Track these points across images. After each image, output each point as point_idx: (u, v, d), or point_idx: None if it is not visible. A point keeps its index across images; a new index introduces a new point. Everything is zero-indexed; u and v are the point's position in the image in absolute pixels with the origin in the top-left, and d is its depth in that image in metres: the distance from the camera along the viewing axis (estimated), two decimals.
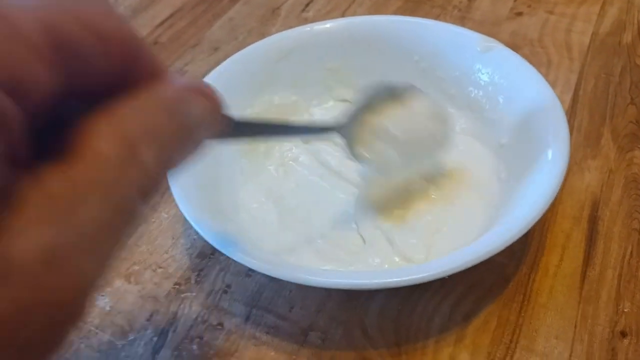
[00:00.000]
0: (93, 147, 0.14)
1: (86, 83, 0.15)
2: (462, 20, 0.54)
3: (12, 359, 0.13)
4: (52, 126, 0.15)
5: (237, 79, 0.39)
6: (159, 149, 0.16)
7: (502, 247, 0.28)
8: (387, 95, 0.34)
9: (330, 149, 0.40)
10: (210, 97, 0.18)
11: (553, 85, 0.45)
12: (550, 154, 0.31)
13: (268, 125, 0.29)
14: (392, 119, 0.34)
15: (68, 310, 0.14)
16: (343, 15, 0.56)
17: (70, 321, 0.14)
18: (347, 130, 0.33)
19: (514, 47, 0.49)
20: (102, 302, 0.35)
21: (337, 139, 0.33)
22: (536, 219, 0.29)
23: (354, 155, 0.34)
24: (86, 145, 0.14)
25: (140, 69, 0.16)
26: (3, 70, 0.12)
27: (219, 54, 0.53)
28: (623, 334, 0.31)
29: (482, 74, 0.38)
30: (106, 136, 0.14)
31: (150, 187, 0.16)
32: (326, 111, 0.43)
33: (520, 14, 0.54)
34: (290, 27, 0.54)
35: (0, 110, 0.12)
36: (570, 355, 0.30)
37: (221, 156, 0.38)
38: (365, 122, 0.34)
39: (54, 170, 0.14)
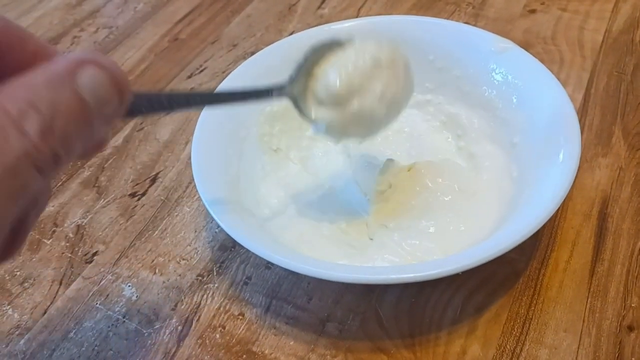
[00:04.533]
0: None
1: None
2: (475, 17, 0.54)
3: None
4: None
5: (257, 79, 0.40)
6: (45, 119, 0.16)
7: (513, 245, 0.29)
8: (329, 47, 0.31)
9: (350, 146, 0.41)
10: (102, 66, 0.18)
11: (565, 83, 0.46)
12: (561, 154, 0.32)
13: (187, 95, 0.27)
14: (333, 69, 0.31)
15: None
16: (358, 11, 0.57)
17: None
18: (291, 90, 0.31)
19: (527, 44, 0.50)
20: (129, 292, 0.36)
21: (285, 101, 0.31)
22: (547, 218, 0.30)
23: (305, 116, 0.32)
24: None
25: (26, 53, 0.17)
26: None
27: (237, 50, 0.54)
28: (630, 328, 0.32)
29: (496, 73, 0.39)
30: None
31: (42, 158, 0.16)
32: None
33: (533, 11, 0.54)
34: (307, 23, 0.55)
35: None
36: (578, 348, 0.32)
37: (243, 152, 0.39)
38: (309, 80, 0.31)
39: None
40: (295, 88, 0.31)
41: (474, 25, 0.53)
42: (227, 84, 0.40)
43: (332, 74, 0.30)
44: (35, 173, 0.16)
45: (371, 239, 0.37)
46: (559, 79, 0.37)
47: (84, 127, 0.17)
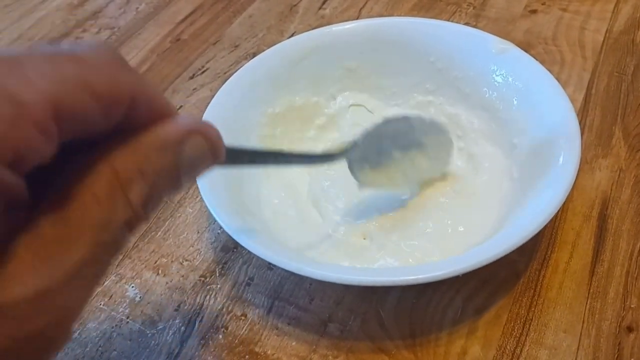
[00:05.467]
0: (86, 187, 0.16)
1: (90, 135, 0.16)
2: (476, 17, 0.55)
3: None
4: (59, 162, 0.16)
5: (259, 80, 0.41)
6: (149, 188, 0.17)
7: (514, 247, 0.29)
8: (400, 127, 0.36)
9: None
10: (208, 135, 0.19)
11: (566, 83, 0.46)
12: (561, 155, 0.33)
13: (268, 154, 0.29)
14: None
15: (54, 340, 0.16)
16: (359, 12, 0.57)
17: (56, 347, 0.16)
18: (352, 155, 0.34)
19: (528, 45, 0.50)
20: (132, 293, 0.37)
21: (341, 164, 0.35)
22: (547, 220, 0.30)
23: (354, 176, 0.36)
24: (80, 185, 0.16)
25: (148, 112, 0.17)
26: (9, 149, 0.14)
27: (239, 50, 0.54)
28: (629, 329, 0.32)
29: (497, 75, 0.39)
30: (99, 176, 0.16)
31: (137, 221, 0.17)
32: (345, 111, 0.44)
33: (534, 11, 0.54)
34: (308, 24, 0.56)
35: (2, 180, 0.14)
36: (577, 349, 0.32)
37: None
38: (370, 151, 0.35)
39: (49, 212, 0.15)
40: (355, 154, 0.35)
41: (475, 25, 0.53)
42: (230, 86, 0.40)
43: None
44: (128, 234, 0.17)
45: (364, 239, 0.37)
46: (559, 79, 0.37)
47: (174, 188, 0.18)
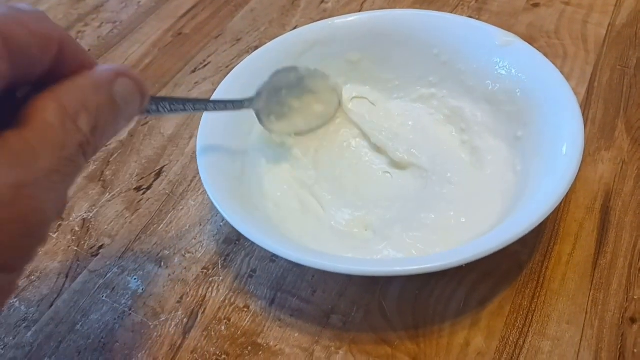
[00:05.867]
0: (40, 117, 0.20)
1: (31, 71, 0.20)
2: (479, 11, 0.54)
3: None
4: (9, 105, 0.20)
5: (262, 73, 0.41)
6: (92, 118, 0.21)
7: (516, 238, 0.29)
8: (294, 78, 0.41)
9: (353, 141, 0.41)
10: (132, 77, 0.23)
11: (568, 77, 0.46)
12: (565, 148, 0.33)
13: (185, 100, 0.33)
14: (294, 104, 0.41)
15: (32, 231, 0.19)
16: (362, 5, 0.57)
17: (35, 241, 0.20)
18: (257, 106, 0.39)
19: (531, 38, 0.50)
20: (135, 285, 0.37)
21: (249, 112, 0.39)
22: (550, 212, 0.30)
23: (264, 127, 0.40)
24: (35, 116, 0.20)
25: (74, 61, 0.21)
26: None
27: (241, 44, 0.54)
28: (632, 320, 0.32)
29: (500, 67, 0.39)
30: (50, 108, 0.20)
31: (89, 147, 0.21)
32: (347, 104, 0.44)
33: (537, 5, 0.54)
34: (310, 18, 0.56)
35: None
36: (581, 340, 0.32)
37: (247, 146, 0.39)
38: (271, 102, 0.40)
39: (12, 133, 0.19)
40: (258, 104, 0.39)
41: (477, 19, 0.53)
42: (232, 79, 0.40)
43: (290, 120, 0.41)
44: (84, 159, 0.21)
45: (366, 231, 0.37)
46: (562, 73, 0.37)
47: (115, 123, 0.22)
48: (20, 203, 0.18)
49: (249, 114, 0.40)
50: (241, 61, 0.42)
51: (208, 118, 0.38)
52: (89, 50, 0.56)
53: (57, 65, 0.21)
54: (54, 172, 0.19)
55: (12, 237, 0.19)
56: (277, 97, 0.40)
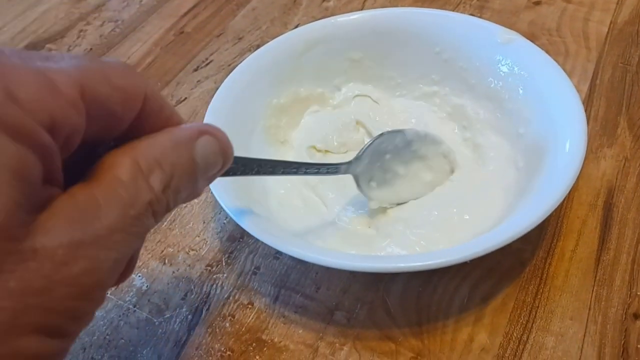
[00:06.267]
0: (112, 172, 0.19)
1: (111, 127, 0.20)
2: (480, 9, 0.55)
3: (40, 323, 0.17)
4: (87, 160, 0.19)
5: (264, 71, 0.41)
6: (167, 177, 0.20)
7: (519, 235, 0.29)
8: (400, 142, 0.38)
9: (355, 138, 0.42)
10: (217, 137, 0.22)
11: (570, 74, 0.46)
12: (567, 144, 0.33)
13: (275, 163, 0.31)
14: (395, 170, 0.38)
15: (88, 293, 0.18)
16: (363, 4, 0.57)
17: (91, 304, 0.18)
18: (356, 170, 0.36)
19: (532, 36, 0.50)
20: (139, 282, 0.37)
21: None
22: (553, 209, 0.30)
23: (362, 193, 0.37)
24: (107, 171, 0.19)
25: (158, 117, 0.21)
26: (46, 114, 0.17)
27: (243, 43, 0.54)
28: (635, 316, 0.32)
29: (502, 65, 0.39)
30: (123, 164, 0.19)
31: (159, 207, 0.20)
32: (350, 102, 0.44)
33: (538, 3, 0.54)
34: (312, 16, 0.56)
35: (44, 142, 0.17)
36: (584, 336, 0.32)
37: (250, 144, 0.39)
38: (373, 167, 0.37)
39: (81, 187, 0.18)
40: (359, 167, 0.36)
41: (479, 17, 0.53)
42: (234, 77, 0.40)
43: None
44: (152, 218, 0.20)
45: (369, 228, 0.37)
46: (564, 70, 0.37)
47: (192, 183, 0.21)
48: (75, 264, 0.17)
49: (253, 113, 0.41)
50: (243, 60, 0.42)
51: (210, 115, 0.38)
52: (91, 49, 0.56)
53: (140, 121, 0.20)
54: (118, 231, 0.18)
55: (63, 301, 0.17)
56: (380, 161, 0.37)
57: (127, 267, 0.22)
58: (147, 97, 0.20)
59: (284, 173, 0.32)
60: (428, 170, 0.39)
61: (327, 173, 0.35)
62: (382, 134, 0.37)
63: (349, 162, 0.36)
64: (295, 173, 0.33)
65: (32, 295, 0.16)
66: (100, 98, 0.18)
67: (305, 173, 0.33)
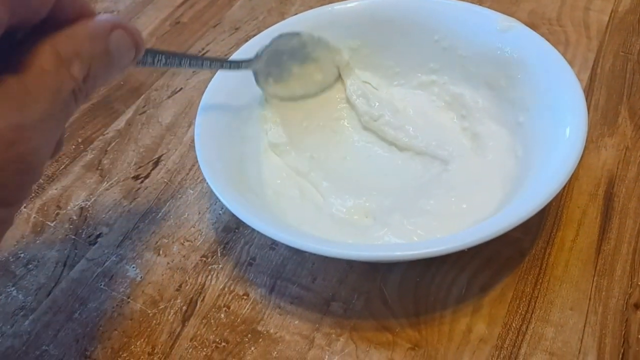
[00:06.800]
0: (38, 63, 0.21)
1: (29, 18, 0.21)
2: None
3: None
4: (8, 48, 0.21)
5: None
6: (85, 66, 0.22)
7: (518, 223, 0.29)
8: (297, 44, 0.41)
9: (352, 129, 0.41)
10: (128, 30, 0.24)
11: (571, 64, 0.45)
12: (567, 132, 0.32)
13: (182, 56, 0.33)
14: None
15: (30, 170, 0.21)
16: None
17: (32, 179, 0.22)
18: (255, 67, 0.39)
19: (532, 25, 0.49)
20: (133, 273, 0.36)
21: (247, 72, 0.39)
22: (552, 197, 0.29)
23: (260, 87, 0.40)
24: (33, 62, 0.21)
25: (73, 7, 0.22)
26: None
27: (239, 33, 0.54)
28: (636, 306, 0.32)
29: (501, 52, 0.39)
30: (46, 56, 0.21)
31: (80, 94, 0.22)
32: (348, 90, 0.43)
33: None
34: (310, 6, 0.55)
35: None
36: (584, 326, 0.31)
37: (245, 134, 0.39)
38: (271, 65, 0.40)
39: (12, 78, 0.20)
40: (257, 65, 0.39)
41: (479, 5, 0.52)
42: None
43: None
44: (75, 105, 0.22)
45: (366, 218, 0.37)
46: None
47: (107, 73, 0.23)
48: (20, 144, 0.20)
49: (248, 103, 0.40)
50: (239, 50, 0.41)
51: (206, 106, 0.37)
52: None
53: (56, 11, 0.22)
54: (50, 116, 0.21)
55: (12, 176, 0.20)
56: (277, 60, 0.40)
57: (57, 147, 0.25)
58: None
59: (190, 65, 0.34)
60: (319, 71, 0.42)
61: (230, 68, 0.38)
62: (280, 35, 0.40)
63: (250, 59, 0.38)
64: (201, 66, 0.35)
65: None
66: None
67: (211, 67, 0.36)
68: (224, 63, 0.37)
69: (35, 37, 0.21)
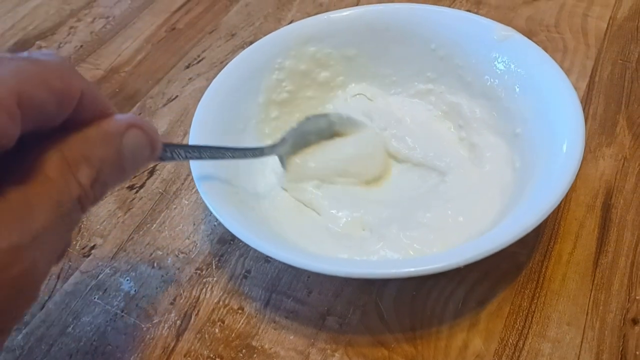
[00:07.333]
0: (41, 170, 0.19)
1: (45, 125, 0.20)
2: (477, 5, 0.54)
3: None
4: (17, 149, 0.19)
5: (255, 69, 0.40)
6: (93, 171, 0.20)
7: (516, 239, 0.28)
8: (324, 124, 0.40)
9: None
10: (144, 129, 0.22)
11: (568, 71, 0.45)
12: (565, 145, 0.32)
13: (201, 148, 0.31)
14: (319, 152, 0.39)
15: (24, 291, 0.19)
16: (358, 0, 0.56)
17: (27, 302, 0.20)
18: (281, 151, 0.38)
19: (530, 32, 0.49)
20: (127, 287, 0.36)
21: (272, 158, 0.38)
22: (549, 212, 0.29)
23: (284, 169, 0.38)
24: (37, 169, 0.19)
25: (92, 110, 0.21)
26: None
27: (235, 39, 0.53)
28: (634, 321, 0.32)
29: (499, 62, 0.38)
30: (52, 161, 0.20)
31: (87, 201, 0.21)
32: (344, 102, 0.43)
33: None
34: (306, 12, 0.55)
35: None
36: (581, 342, 0.31)
37: (241, 144, 0.38)
38: (296, 151, 0.38)
39: (13, 188, 0.19)
40: (283, 149, 0.38)
41: (476, 13, 0.52)
42: (226, 74, 0.40)
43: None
44: (81, 212, 0.21)
45: (363, 230, 0.36)
46: (562, 67, 0.36)
47: (119, 175, 0.22)
48: (14, 266, 0.18)
49: (244, 114, 0.40)
50: (235, 56, 0.41)
51: (201, 116, 0.37)
52: (82, 46, 0.55)
53: (75, 114, 0.21)
54: (51, 229, 0.19)
55: (2, 303, 0.18)
56: (304, 141, 0.39)
57: (58, 258, 0.23)
58: (82, 94, 0.20)
59: (211, 157, 0.32)
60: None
61: (254, 156, 0.36)
62: (308, 118, 0.39)
63: (273, 145, 0.37)
64: (223, 157, 0.33)
65: None
66: (36, 103, 0.19)
67: (233, 157, 0.34)
68: (247, 151, 0.35)
69: (49, 140, 0.20)
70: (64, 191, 0.19)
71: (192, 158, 0.30)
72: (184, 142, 0.45)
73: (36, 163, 0.19)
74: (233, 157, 0.34)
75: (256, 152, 0.36)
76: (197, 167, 0.34)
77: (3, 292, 0.18)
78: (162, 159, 0.27)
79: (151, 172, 0.43)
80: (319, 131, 0.39)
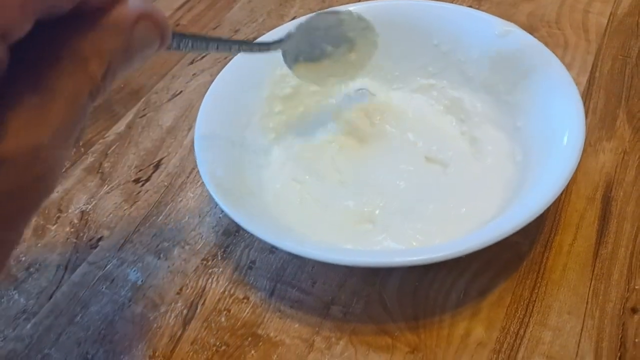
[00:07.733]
0: (54, 65, 0.19)
1: (55, 12, 0.19)
2: (479, 0, 0.54)
3: (4, 219, 0.19)
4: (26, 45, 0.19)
5: (259, 64, 0.40)
6: (106, 63, 0.20)
7: (517, 229, 0.29)
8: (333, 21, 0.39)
9: (352, 134, 0.41)
10: (155, 20, 0.22)
11: (569, 67, 0.45)
12: (565, 137, 0.32)
13: (209, 39, 0.31)
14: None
15: (44, 189, 0.20)
16: None
17: (47, 193, 0.20)
18: (285, 47, 0.37)
19: (531, 28, 0.50)
20: (134, 277, 0.36)
21: (277, 53, 0.37)
22: (550, 202, 0.29)
23: (289, 67, 0.38)
24: (49, 64, 0.19)
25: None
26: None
27: (238, 35, 0.54)
28: (634, 310, 0.32)
29: (500, 57, 0.39)
30: (64, 56, 0.19)
31: (98, 92, 0.21)
32: (348, 98, 0.44)
33: None
34: (309, 8, 0.55)
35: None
36: (581, 330, 0.32)
37: (245, 138, 0.39)
38: (303, 43, 0.38)
39: (27, 86, 0.19)
40: (288, 45, 0.37)
41: (478, 8, 0.52)
42: (230, 70, 0.40)
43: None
44: (91, 102, 0.21)
45: (366, 222, 0.37)
46: (563, 62, 0.37)
47: (127, 66, 0.22)
48: (37, 166, 0.19)
49: (248, 107, 0.40)
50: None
51: (206, 110, 0.38)
52: None
53: (83, 4, 0.20)
54: (66, 126, 0.19)
55: (29, 201, 0.19)
56: (310, 39, 0.38)
57: (74, 144, 0.24)
58: None
59: (218, 49, 0.32)
60: (354, 51, 0.40)
61: (260, 50, 0.36)
62: (318, 14, 0.38)
63: (280, 40, 0.36)
64: (229, 50, 0.33)
65: (6, 197, 0.18)
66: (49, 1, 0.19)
67: (239, 50, 0.34)
68: (253, 46, 0.35)
69: (57, 31, 0.20)
70: (78, 86, 0.20)
71: (198, 49, 0.30)
72: (189, 137, 0.45)
73: (48, 58, 0.19)
74: (239, 51, 0.34)
75: (262, 47, 0.36)
76: (203, 161, 0.35)
77: (27, 192, 0.19)
78: (169, 47, 0.27)
79: (157, 166, 0.43)
80: (326, 29, 0.38)
